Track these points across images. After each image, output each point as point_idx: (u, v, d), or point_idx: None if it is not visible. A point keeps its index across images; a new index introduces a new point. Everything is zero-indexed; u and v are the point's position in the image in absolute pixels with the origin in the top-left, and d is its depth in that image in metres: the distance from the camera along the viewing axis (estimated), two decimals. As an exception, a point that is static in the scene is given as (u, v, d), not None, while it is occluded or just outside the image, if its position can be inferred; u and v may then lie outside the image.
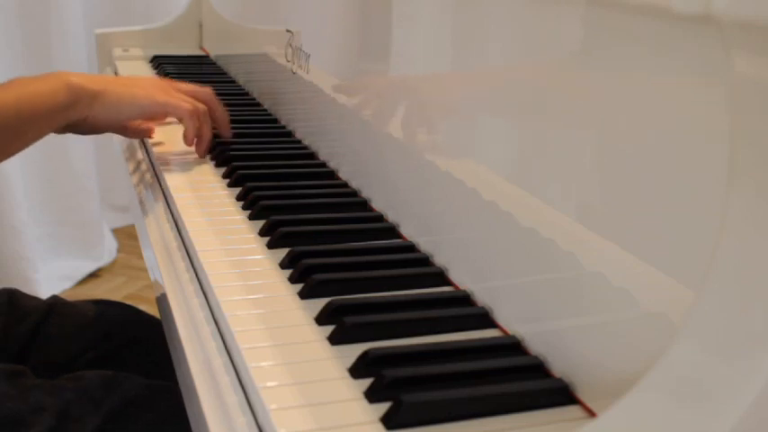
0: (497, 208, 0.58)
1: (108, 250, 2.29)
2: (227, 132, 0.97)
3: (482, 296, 0.61)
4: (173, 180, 0.86)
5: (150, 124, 0.95)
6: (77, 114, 0.84)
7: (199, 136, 0.93)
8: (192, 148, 0.94)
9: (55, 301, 0.95)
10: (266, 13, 1.21)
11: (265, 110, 1.16)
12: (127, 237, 2.39)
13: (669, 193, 0.43)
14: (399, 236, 0.73)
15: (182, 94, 0.93)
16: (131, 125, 0.92)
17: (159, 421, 0.75)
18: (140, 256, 0.87)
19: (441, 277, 0.65)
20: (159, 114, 0.92)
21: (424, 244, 0.70)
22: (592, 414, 0.48)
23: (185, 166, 0.92)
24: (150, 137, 0.96)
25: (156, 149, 0.95)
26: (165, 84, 0.94)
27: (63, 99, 0.81)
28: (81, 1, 2.15)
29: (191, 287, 0.65)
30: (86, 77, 0.85)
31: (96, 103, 0.84)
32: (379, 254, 0.69)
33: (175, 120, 0.96)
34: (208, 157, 0.95)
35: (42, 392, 0.74)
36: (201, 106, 0.93)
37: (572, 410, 0.49)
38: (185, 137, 0.93)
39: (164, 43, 1.61)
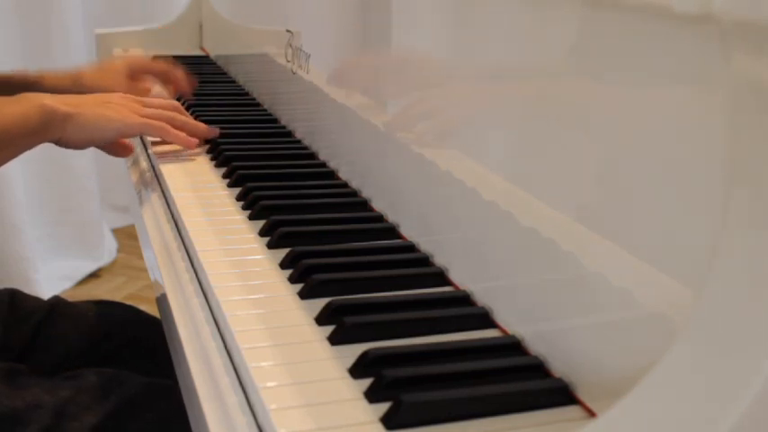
0: (497, 208, 0.58)
1: (108, 250, 2.29)
2: (202, 132, 0.97)
3: (482, 296, 0.61)
4: (173, 180, 0.86)
5: (130, 144, 0.95)
6: (50, 136, 0.83)
7: (191, 133, 0.95)
8: (196, 149, 0.96)
9: (56, 302, 0.95)
10: (266, 13, 1.22)
11: (265, 110, 1.16)
12: (127, 237, 2.39)
13: (669, 193, 0.43)
14: (399, 236, 0.73)
15: (151, 110, 0.93)
16: (109, 145, 0.93)
17: (159, 420, 0.75)
18: (140, 256, 0.87)
19: (441, 277, 0.65)
20: (134, 135, 0.92)
21: (424, 244, 0.70)
22: (592, 414, 0.48)
23: (185, 166, 0.92)
24: (129, 155, 0.96)
25: (155, 149, 0.95)
26: (136, 101, 0.94)
27: (35, 122, 0.81)
28: (81, 1, 2.15)
29: (191, 287, 0.65)
30: (60, 99, 0.84)
31: (69, 126, 0.84)
32: (379, 254, 0.69)
33: None
34: (208, 157, 0.95)
35: (40, 391, 0.74)
36: (168, 113, 0.94)
37: (572, 410, 0.49)
38: (183, 146, 0.94)
39: (164, 43, 1.61)
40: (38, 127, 0.81)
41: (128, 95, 0.94)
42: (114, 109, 0.89)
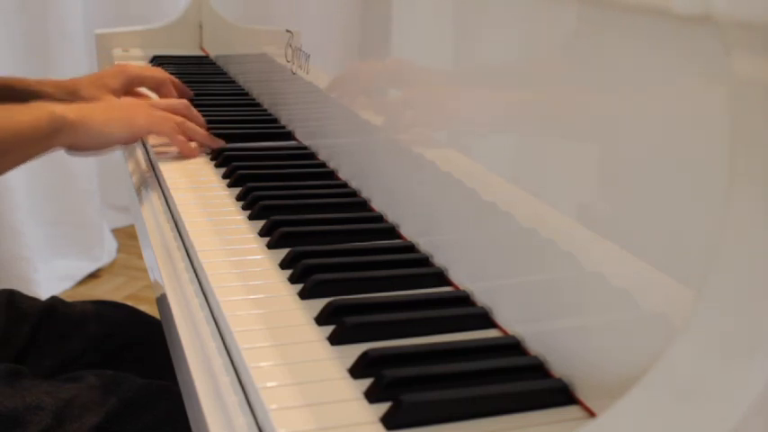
0: (497, 208, 0.58)
1: (108, 250, 2.29)
2: (208, 141, 0.97)
3: (482, 296, 0.61)
4: (173, 180, 0.86)
5: None
6: (59, 143, 0.85)
7: (194, 140, 0.95)
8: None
9: (54, 302, 0.95)
10: (266, 13, 1.22)
11: (265, 110, 1.16)
12: (127, 237, 2.39)
13: (669, 193, 0.43)
14: (399, 236, 0.73)
15: (160, 111, 0.94)
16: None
17: (158, 422, 0.75)
18: (140, 256, 0.87)
19: (441, 277, 0.65)
20: (143, 137, 0.93)
21: (424, 244, 0.70)
22: (592, 414, 0.48)
23: (185, 166, 0.92)
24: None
25: (155, 149, 0.95)
26: (143, 103, 0.95)
27: (45, 128, 0.82)
28: (81, 1, 2.15)
29: (191, 287, 0.65)
30: (69, 108, 0.86)
31: (79, 132, 0.85)
32: (379, 254, 0.69)
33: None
34: (208, 157, 0.95)
35: (40, 392, 0.74)
36: (179, 118, 0.95)
37: (572, 410, 0.49)
38: (182, 154, 0.94)
39: (164, 44, 1.61)
40: (47, 132, 0.83)
41: (136, 100, 0.95)
42: (123, 112, 0.90)
